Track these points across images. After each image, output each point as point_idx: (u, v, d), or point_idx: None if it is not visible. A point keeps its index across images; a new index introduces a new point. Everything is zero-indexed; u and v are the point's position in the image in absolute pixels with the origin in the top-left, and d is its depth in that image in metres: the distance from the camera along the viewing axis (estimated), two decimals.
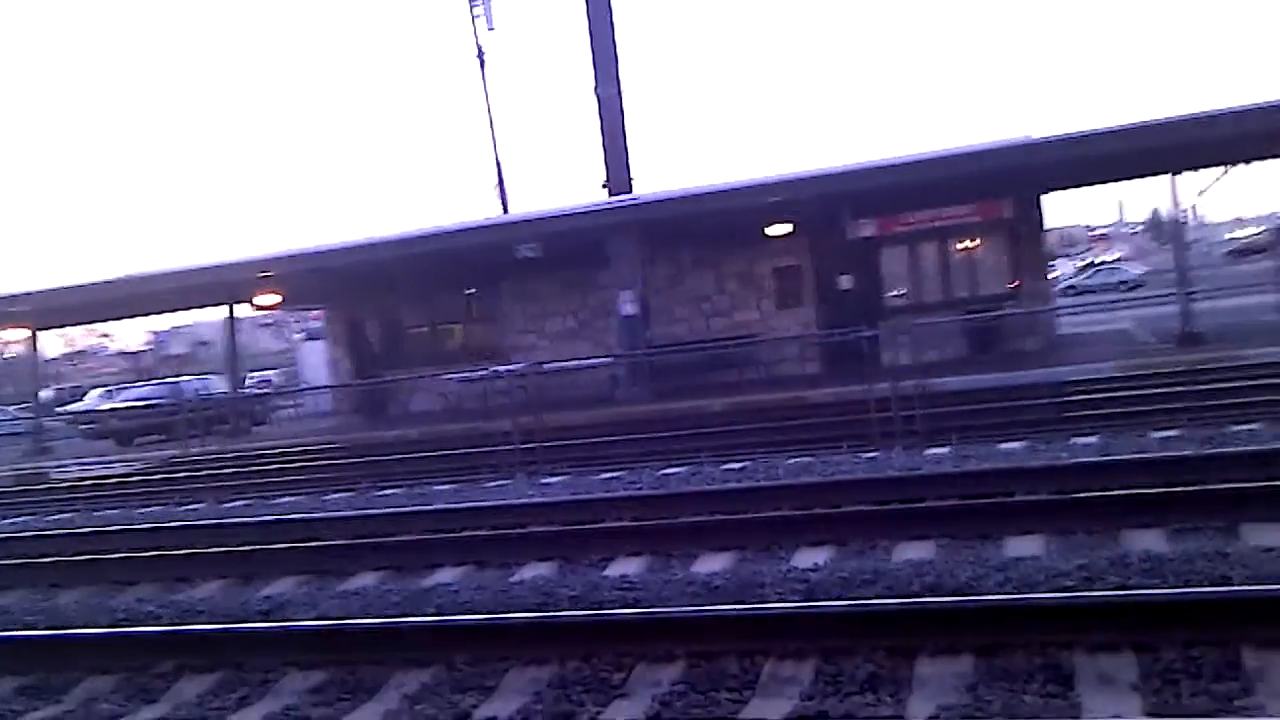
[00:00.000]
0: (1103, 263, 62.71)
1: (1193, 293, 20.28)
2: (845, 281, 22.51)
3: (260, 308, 27.31)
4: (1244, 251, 54.15)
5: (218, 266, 23.04)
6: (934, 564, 6.22)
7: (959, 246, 21.35)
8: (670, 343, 21.56)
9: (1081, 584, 5.41)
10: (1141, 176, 24.97)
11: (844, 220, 21.11)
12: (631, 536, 7.71)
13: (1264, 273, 28.41)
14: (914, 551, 6.67)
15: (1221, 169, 21.29)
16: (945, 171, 19.09)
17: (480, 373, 19.70)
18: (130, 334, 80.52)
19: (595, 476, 11.02)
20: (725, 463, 10.89)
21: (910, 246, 21.65)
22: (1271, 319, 19.57)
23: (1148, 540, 6.40)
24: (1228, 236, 79.18)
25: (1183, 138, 18.09)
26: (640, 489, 9.62)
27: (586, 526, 8.19)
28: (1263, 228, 57.25)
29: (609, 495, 9.29)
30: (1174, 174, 21.42)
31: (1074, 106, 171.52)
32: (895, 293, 22.00)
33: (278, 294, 24.91)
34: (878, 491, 8.11)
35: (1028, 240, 21.04)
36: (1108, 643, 4.55)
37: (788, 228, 21.71)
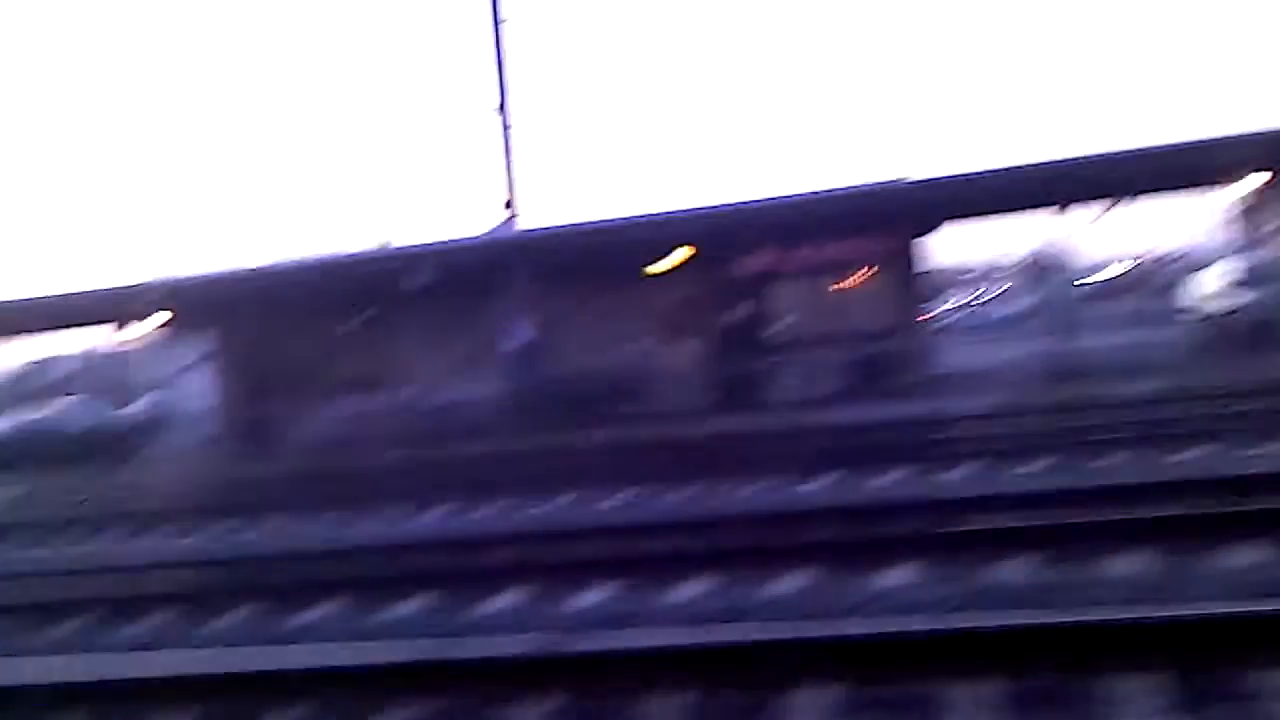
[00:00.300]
0: (991, 297, 64.68)
1: (1070, 329, 21.05)
2: (737, 315, 22.76)
3: (146, 334, 26.40)
4: (1105, 291, 56.39)
5: (105, 291, 22.25)
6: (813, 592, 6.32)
7: (849, 281, 21.80)
8: (562, 375, 21.49)
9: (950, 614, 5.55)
10: (1027, 212, 25.88)
11: (736, 255, 21.44)
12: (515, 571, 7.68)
13: (1123, 311, 29.76)
14: (794, 582, 6.78)
15: (1100, 207, 22.07)
16: (835, 208, 19.55)
17: (368, 403, 19.34)
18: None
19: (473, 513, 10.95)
20: (605, 499, 10.95)
21: (801, 281, 22.02)
22: (1139, 355, 20.39)
23: (1017, 569, 6.61)
24: (1097, 277, 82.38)
25: (1067, 176, 18.80)
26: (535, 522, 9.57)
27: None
28: (1127, 267, 59.78)
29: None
30: (1057, 211, 22.27)
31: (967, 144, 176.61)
32: (786, 326, 22.32)
33: (167, 319, 24.17)
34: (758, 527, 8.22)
35: (915, 275, 21.59)
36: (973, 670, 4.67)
37: (680, 261, 21.92)
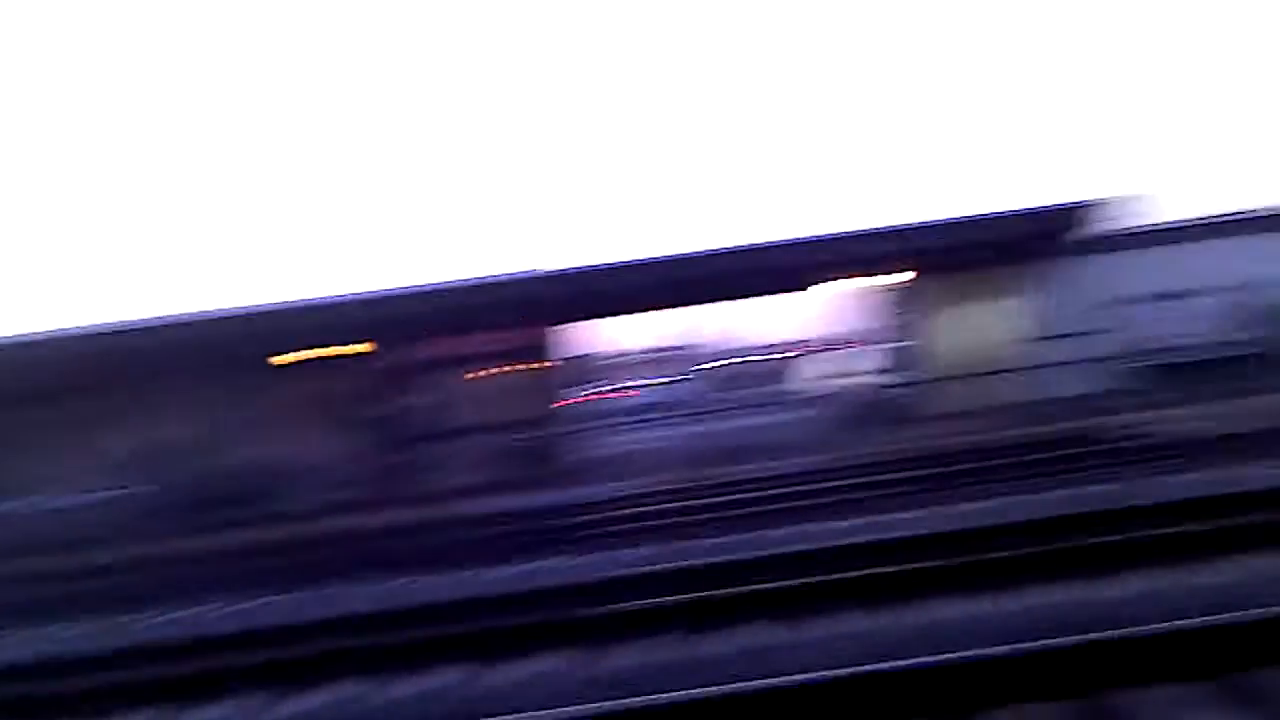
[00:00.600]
0: (642, 385, 67.12)
1: (703, 414, 22.02)
2: (385, 407, 21.99)
3: None
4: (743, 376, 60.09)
5: None
6: None
7: (497, 370, 21.66)
8: (205, 473, 19.79)
9: None
10: (663, 308, 27.03)
11: (383, 345, 20.86)
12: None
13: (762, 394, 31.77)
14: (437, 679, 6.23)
15: (739, 299, 23.38)
16: (480, 298, 19.45)
17: None
18: None
19: None
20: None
21: (450, 371, 21.66)
22: (772, 440, 21.54)
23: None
24: (743, 359, 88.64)
25: (685, 273, 19.71)
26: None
27: None
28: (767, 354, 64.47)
29: None
30: (695, 304, 23.47)
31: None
32: (431, 417, 21.77)
33: None
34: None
35: (563, 363, 21.79)
36: None
37: (327, 352, 21.00)
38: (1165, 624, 5.18)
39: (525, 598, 7.98)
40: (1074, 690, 4.81)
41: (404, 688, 6.31)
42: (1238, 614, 5.18)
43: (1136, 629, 5.13)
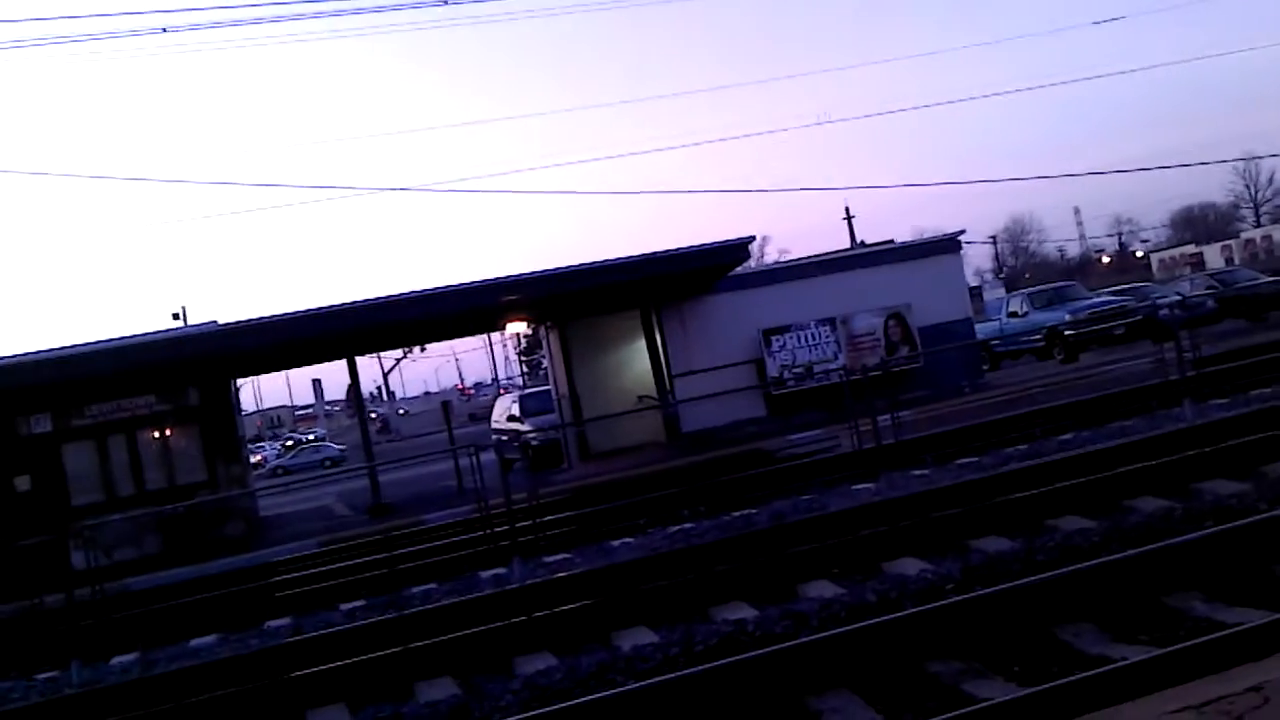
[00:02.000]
0: (307, 442, 64.92)
1: (379, 465, 22.02)
2: (22, 483, 20.19)
3: None
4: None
5: None
6: None
7: (150, 437, 20.53)
8: None
9: None
10: (328, 359, 26.82)
11: (15, 416, 19.18)
12: None
13: (437, 442, 31.98)
14: None
15: (404, 350, 23.56)
16: (127, 360, 18.47)
17: None
18: None
19: None
20: None
21: (96, 441, 20.25)
22: (442, 485, 21.93)
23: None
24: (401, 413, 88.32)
25: (362, 322, 19.74)
26: None
27: None
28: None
29: None
30: (357, 355, 23.42)
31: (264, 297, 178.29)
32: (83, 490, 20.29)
33: None
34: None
35: (220, 426, 21.01)
36: None
37: None
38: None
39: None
40: None
41: None
42: None
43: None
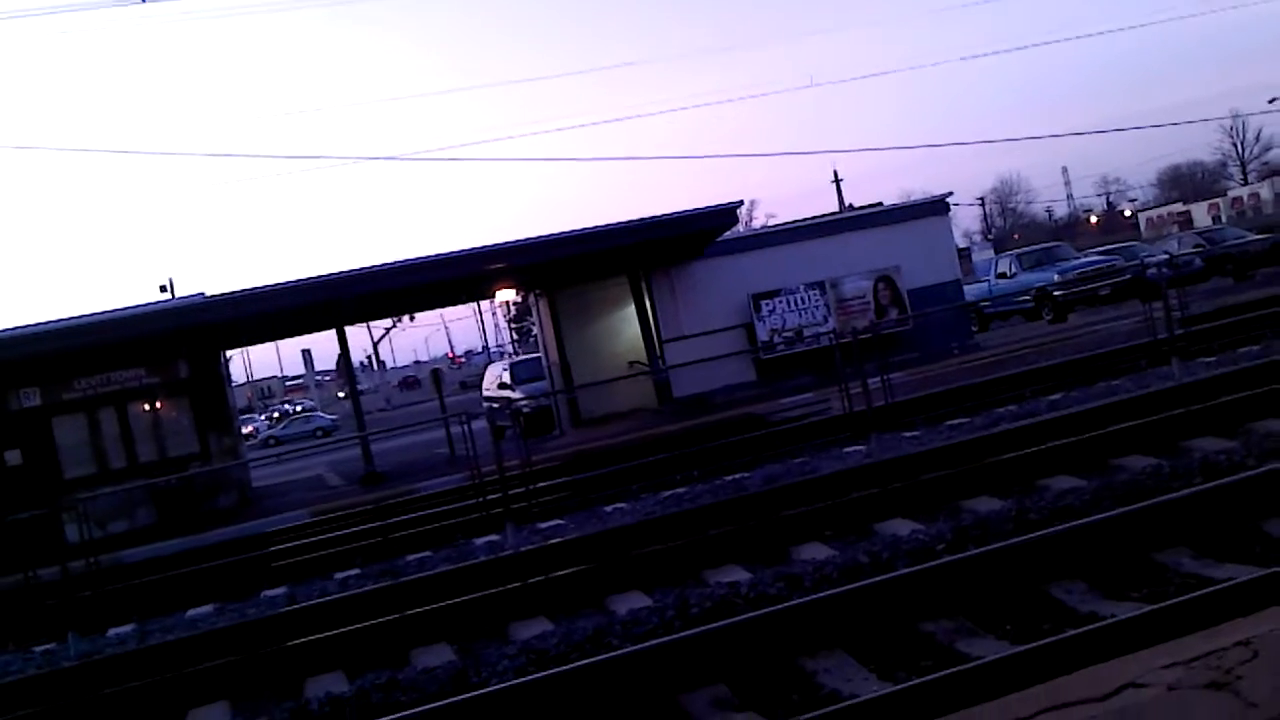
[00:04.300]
0: (295, 413, 64.82)
1: (371, 434, 22.03)
2: (13, 457, 20.16)
3: None
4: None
5: None
6: None
7: (140, 409, 20.49)
8: None
9: None
10: (318, 330, 26.78)
11: (4, 390, 19.12)
12: None
13: (430, 411, 32.00)
14: None
15: (393, 319, 23.53)
16: (116, 333, 18.39)
17: None
18: None
19: None
20: None
21: (87, 414, 20.20)
22: (434, 454, 21.98)
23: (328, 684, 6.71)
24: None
25: (351, 292, 19.67)
26: None
27: None
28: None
29: None
30: (346, 325, 23.34)
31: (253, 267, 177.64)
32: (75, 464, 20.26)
33: None
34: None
35: (211, 397, 20.97)
36: None
37: None
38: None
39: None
40: None
41: None
42: None
43: None
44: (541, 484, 13.68)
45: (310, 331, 28.56)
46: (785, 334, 22.77)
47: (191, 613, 10.07)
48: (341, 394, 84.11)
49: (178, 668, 7.33)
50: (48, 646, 9.54)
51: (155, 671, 7.36)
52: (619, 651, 5.71)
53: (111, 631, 9.79)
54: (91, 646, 9.04)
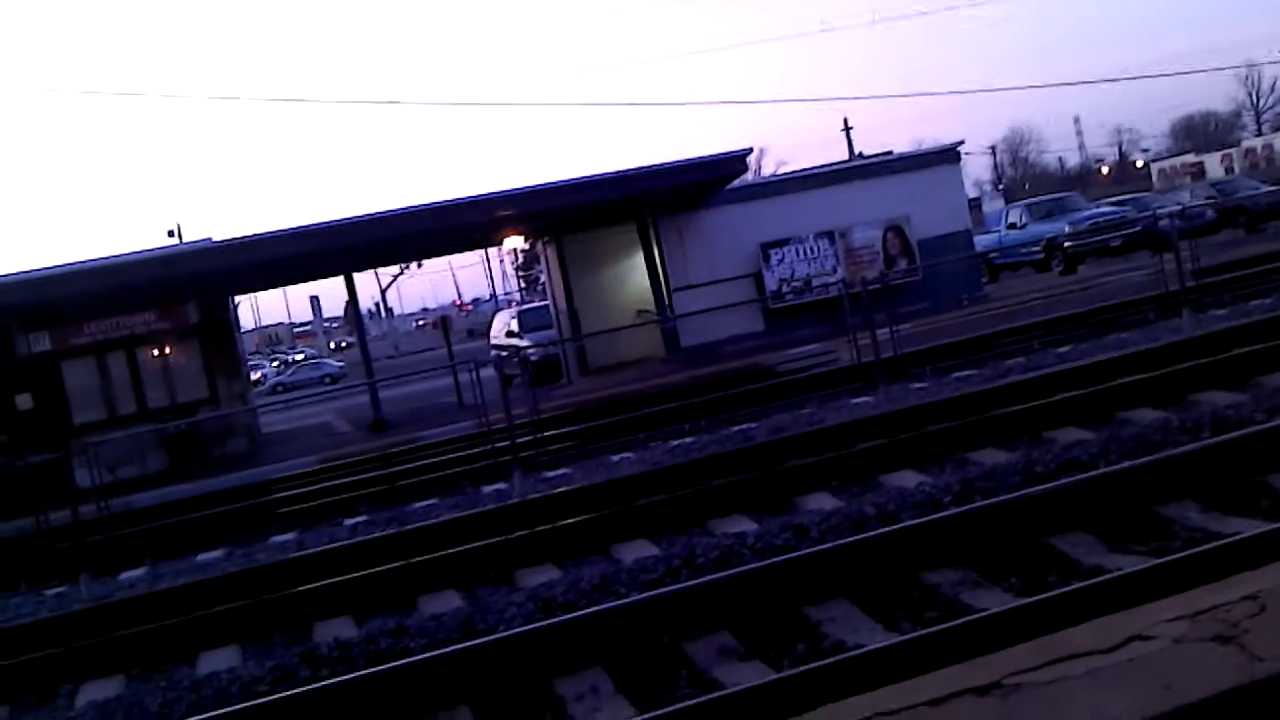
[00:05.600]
0: (305, 359, 64.97)
1: (379, 381, 22.09)
2: (23, 401, 20.27)
3: None
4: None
5: None
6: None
7: (149, 355, 20.56)
8: None
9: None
10: (326, 276, 26.73)
11: (14, 335, 19.18)
12: None
13: (438, 358, 32.04)
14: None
15: (400, 265, 23.49)
16: (125, 278, 18.39)
17: None
18: None
19: None
20: None
21: (96, 358, 20.29)
22: (441, 401, 22.02)
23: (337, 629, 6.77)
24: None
25: (360, 238, 19.61)
26: None
27: None
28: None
29: None
30: (354, 271, 23.30)
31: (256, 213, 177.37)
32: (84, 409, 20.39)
33: None
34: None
35: (220, 343, 21.03)
36: None
37: None
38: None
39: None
40: None
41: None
42: None
43: None
44: (549, 432, 13.71)
45: (319, 278, 28.48)
46: (794, 283, 22.68)
47: (202, 557, 10.17)
48: (335, 343, 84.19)
49: (189, 611, 7.40)
50: (60, 589, 9.65)
51: (166, 614, 7.44)
52: (625, 600, 5.75)
53: (124, 575, 9.90)
54: (104, 589, 9.14)
